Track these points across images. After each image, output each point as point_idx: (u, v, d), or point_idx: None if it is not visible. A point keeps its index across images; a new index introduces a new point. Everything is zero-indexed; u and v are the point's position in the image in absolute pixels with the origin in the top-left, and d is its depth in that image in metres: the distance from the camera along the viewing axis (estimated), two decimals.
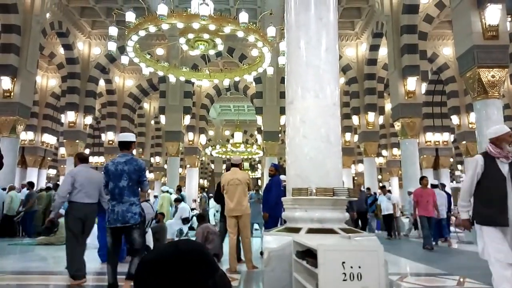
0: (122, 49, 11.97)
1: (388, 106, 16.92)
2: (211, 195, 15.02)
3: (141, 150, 22.63)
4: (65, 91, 15.89)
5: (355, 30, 16.19)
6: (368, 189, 13.00)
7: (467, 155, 15.41)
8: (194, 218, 10.80)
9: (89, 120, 16.13)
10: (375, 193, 12.99)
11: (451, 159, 19.99)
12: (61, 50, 15.82)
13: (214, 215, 13.71)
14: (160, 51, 15.39)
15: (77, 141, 15.42)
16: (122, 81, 19.41)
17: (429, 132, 17.49)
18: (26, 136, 16.89)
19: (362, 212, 10.70)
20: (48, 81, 18.72)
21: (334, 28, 4.93)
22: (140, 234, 4.23)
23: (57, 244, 8.52)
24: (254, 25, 8.81)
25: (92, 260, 6.27)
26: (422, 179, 8.69)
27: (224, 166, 30.43)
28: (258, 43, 8.85)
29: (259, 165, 31.05)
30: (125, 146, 4.31)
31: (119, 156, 4.29)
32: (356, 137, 17.32)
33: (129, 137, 4.39)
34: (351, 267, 2.68)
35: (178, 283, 0.72)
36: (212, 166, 31.49)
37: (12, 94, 11.61)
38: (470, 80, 8.71)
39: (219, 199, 6.18)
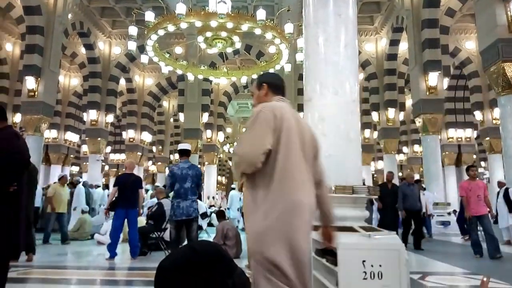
0: (141, 48, 12.14)
1: (408, 102, 16.60)
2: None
3: (160, 147, 22.95)
4: (87, 90, 16.24)
5: (375, 25, 15.93)
6: (419, 181, 10.39)
7: (490, 152, 14.98)
8: (214, 214, 10.93)
9: (110, 118, 16.45)
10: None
11: (474, 156, 19.48)
12: (82, 50, 16.16)
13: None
14: (178, 50, 15.49)
15: (98, 138, 15.76)
16: (142, 80, 19.69)
17: (451, 128, 17.08)
18: (50, 134, 17.36)
19: (415, 211, 7.99)
20: (70, 80, 19.17)
21: (353, 24, 4.87)
22: (197, 226, 5.22)
23: (80, 239, 8.76)
24: (272, 22, 8.78)
25: (101, 255, 6.42)
26: (468, 169, 7.03)
27: None
28: (275, 40, 8.82)
29: None
30: (185, 153, 5.33)
31: (181, 162, 5.26)
32: (375, 134, 17.07)
33: (188, 146, 5.47)
34: (372, 266, 2.66)
35: (197, 284, 0.73)
36: (230, 163, 31.64)
37: (36, 93, 11.94)
38: (494, 75, 8.45)
39: None
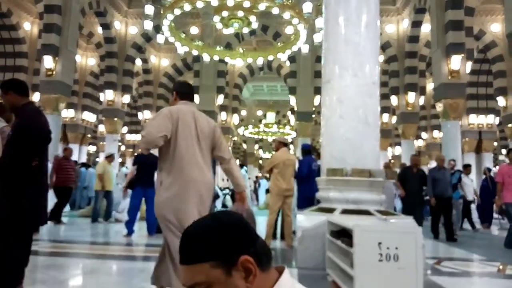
0: (157, 29, 12.07)
1: (429, 86, 16.19)
2: None
3: None
4: (103, 70, 16.33)
5: (396, 5, 15.43)
6: (468, 166, 9.35)
7: None
8: (228, 196, 11.04)
9: (126, 98, 16.54)
10: (460, 171, 9.14)
11: (495, 143, 18.97)
12: (99, 30, 16.19)
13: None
14: (194, 30, 15.39)
15: (115, 119, 15.92)
16: (158, 61, 19.68)
17: (472, 114, 16.62)
18: (67, 113, 17.57)
19: (445, 198, 7.08)
20: (87, 60, 19.30)
21: (375, 3, 4.72)
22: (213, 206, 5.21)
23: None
24: (290, 1, 8.58)
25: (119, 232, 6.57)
26: (509, 152, 6.51)
27: (256, 146, 30.77)
28: (293, 20, 8.64)
29: (291, 146, 31.00)
30: None
31: None
32: (394, 118, 16.76)
33: None
34: (388, 248, 2.63)
35: (219, 252, 0.75)
36: (245, 146, 31.70)
37: (54, 72, 12.06)
38: None
39: None
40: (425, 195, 7.46)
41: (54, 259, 4.50)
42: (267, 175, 7.02)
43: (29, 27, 15.92)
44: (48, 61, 11.97)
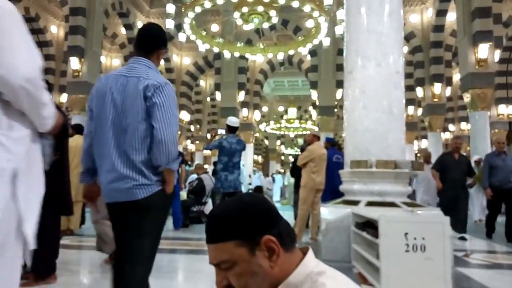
0: (179, 28, 12.21)
1: (456, 77, 15.70)
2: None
3: (198, 126, 23.33)
4: None
5: None
6: None
7: None
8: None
9: None
10: None
11: None
12: (122, 30, 16.52)
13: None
14: (214, 28, 15.51)
15: None
16: (180, 60, 19.91)
17: (502, 104, 15.99)
18: None
19: (505, 190, 5.94)
20: (112, 61, 19.76)
21: None
22: None
23: None
24: None
25: None
26: None
27: (278, 142, 30.70)
28: (314, 13, 8.57)
29: None
30: (234, 130, 5.32)
31: (229, 137, 5.25)
32: (420, 111, 16.35)
33: (237, 123, 5.44)
34: (415, 239, 2.59)
35: (243, 231, 0.77)
36: (266, 142, 31.68)
37: (80, 73, 12.41)
38: None
39: (296, 172, 6.38)
40: (469, 186, 6.41)
41: (83, 252, 4.66)
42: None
43: (55, 30, 16.43)
44: (74, 63, 12.32)
